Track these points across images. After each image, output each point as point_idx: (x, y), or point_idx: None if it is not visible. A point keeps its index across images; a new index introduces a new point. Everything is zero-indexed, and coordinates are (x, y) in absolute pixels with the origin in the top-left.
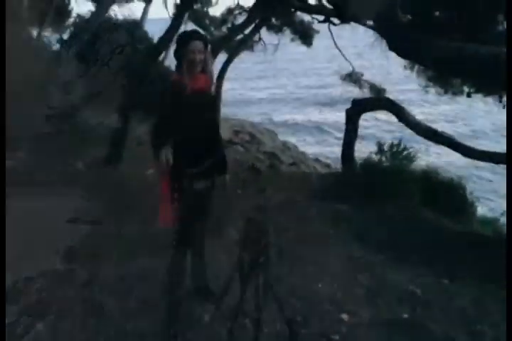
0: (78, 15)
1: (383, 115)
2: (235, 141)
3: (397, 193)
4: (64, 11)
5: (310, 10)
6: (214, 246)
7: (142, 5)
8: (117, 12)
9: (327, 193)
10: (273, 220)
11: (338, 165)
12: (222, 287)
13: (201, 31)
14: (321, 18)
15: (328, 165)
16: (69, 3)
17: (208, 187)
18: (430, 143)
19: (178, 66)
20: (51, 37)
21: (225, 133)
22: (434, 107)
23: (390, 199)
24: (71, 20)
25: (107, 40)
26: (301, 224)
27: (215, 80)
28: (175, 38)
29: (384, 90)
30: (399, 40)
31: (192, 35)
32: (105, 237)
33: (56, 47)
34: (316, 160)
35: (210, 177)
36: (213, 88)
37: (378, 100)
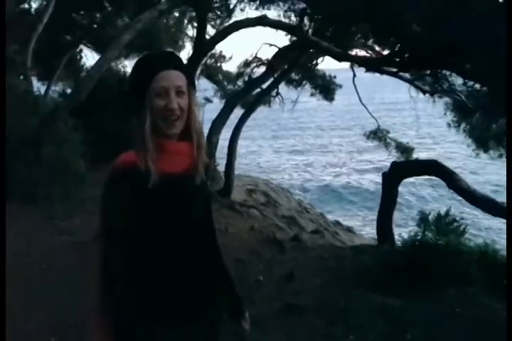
0: (86, 70)
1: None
2: (249, 204)
3: (456, 279)
4: (75, 65)
5: (352, 58)
6: None
7: None
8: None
9: (368, 279)
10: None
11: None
12: None
13: (214, 85)
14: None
15: (349, 229)
16: (81, 58)
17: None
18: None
19: (133, 127)
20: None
21: (239, 192)
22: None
23: (447, 288)
24: (83, 74)
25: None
26: (352, 334)
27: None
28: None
29: (412, 149)
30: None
31: (161, 59)
32: None
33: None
34: (337, 223)
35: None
36: (204, 166)
37: (424, 163)
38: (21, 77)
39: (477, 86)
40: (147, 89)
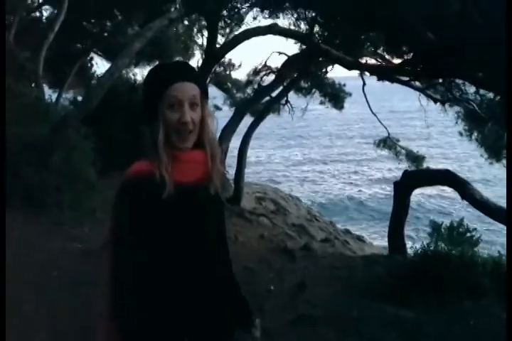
0: (97, 78)
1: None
2: (258, 212)
3: (469, 290)
4: (86, 73)
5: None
6: None
7: None
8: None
9: (380, 290)
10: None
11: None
12: None
13: (223, 93)
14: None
15: (359, 238)
16: (92, 66)
17: None
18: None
19: (146, 138)
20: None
21: (248, 200)
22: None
23: (460, 299)
24: (94, 82)
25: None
26: None
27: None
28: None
29: (423, 158)
30: None
31: (175, 70)
32: None
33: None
34: (347, 231)
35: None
36: (219, 176)
37: (436, 173)
38: (33, 85)
39: (490, 95)
40: (160, 100)
